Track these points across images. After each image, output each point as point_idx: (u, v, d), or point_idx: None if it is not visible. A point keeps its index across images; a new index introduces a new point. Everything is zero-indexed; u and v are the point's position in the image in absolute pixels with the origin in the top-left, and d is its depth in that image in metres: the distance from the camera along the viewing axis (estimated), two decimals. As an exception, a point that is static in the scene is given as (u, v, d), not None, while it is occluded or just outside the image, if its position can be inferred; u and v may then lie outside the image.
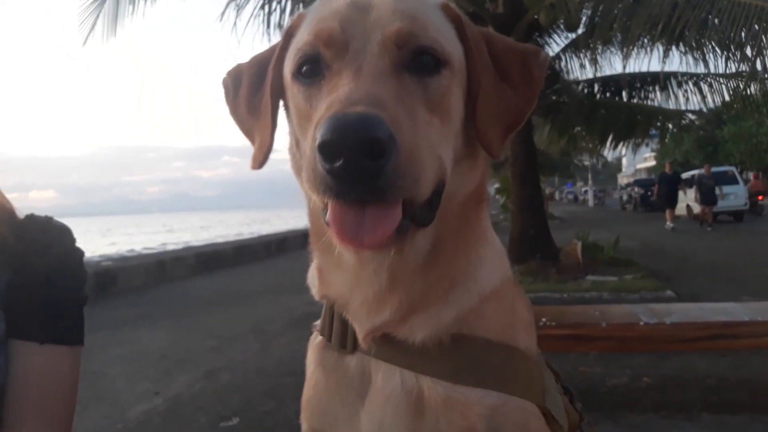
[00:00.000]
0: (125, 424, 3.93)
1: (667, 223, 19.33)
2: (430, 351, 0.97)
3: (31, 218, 1.30)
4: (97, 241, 31.37)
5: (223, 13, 8.87)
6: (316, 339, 1.14)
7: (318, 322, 1.15)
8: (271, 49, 1.09)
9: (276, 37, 9.16)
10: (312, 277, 1.11)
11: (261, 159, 1.06)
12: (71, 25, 9.22)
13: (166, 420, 3.98)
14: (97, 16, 9.10)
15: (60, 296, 1.25)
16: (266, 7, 8.88)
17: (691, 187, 21.83)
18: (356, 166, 0.71)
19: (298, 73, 0.94)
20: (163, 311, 8.04)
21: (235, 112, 1.13)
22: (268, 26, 9.03)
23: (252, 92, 1.10)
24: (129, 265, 10.82)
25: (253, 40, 9.18)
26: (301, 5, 8.88)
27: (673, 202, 19.92)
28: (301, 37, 0.95)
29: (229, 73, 1.15)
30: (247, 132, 1.11)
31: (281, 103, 1.06)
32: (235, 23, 8.84)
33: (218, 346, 5.94)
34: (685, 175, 24.05)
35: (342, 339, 1.05)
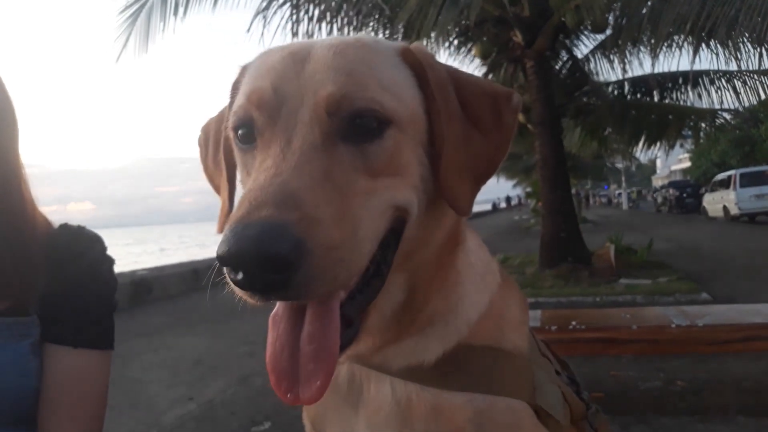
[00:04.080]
0: (160, 428, 4.01)
1: None
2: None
3: (64, 227, 1.35)
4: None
5: (250, 27, 9.01)
6: None
7: None
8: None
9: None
10: None
11: (223, 222, 0.97)
12: (106, 40, 9.46)
13: (200, 424, 4.05)
14: (130, 33, 9.33)
15: (92, 302, 1.29)
16: (294, 17, 8.98)
17: (728, 188, 21.38)
18: (258, 280, 0.68)
19: (236, 137, 0.91)
20: (197, 318, 8.14)
21: (206, 170, 1.11)
22: (296, 37, 9.13)
23: (216, 149, 1.07)
24: (164, 274, 11.00)
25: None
26: (328, 15, 8.99)
27: None
28: (238, 98, 0.91)
29: (202, 129, 1.13)
30: (217, 189, 1.08)
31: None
32: (262, 34, 8.98)
33: (251, 351, 6.00)
34: (721, 176, 23.56)
35: None
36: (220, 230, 0.96)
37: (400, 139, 0.85)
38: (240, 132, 0.89)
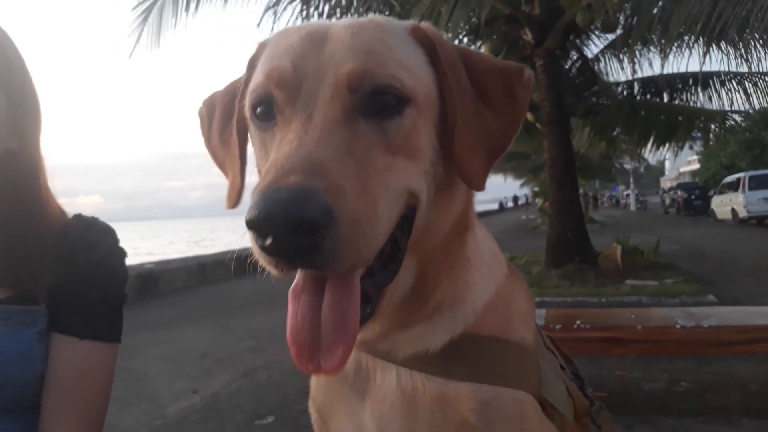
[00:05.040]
0: (164, 420, 4.03)
1: None
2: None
3: (78, 218, 1.35)
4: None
5: (260, 22, 9.04)
6: None
7: None
8: (241, 78, 1.02)
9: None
10: None
11: (234, 198, 1.01)
12: (117, 36, 9.52)
13: (204, 417, 4.07)
14: (143, 29, 9.39)
15: (101, 294, 1.29)
16: (304, 12, 9.00)
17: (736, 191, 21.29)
18: (287, 245, 0.68)
19: (253, 114, 0.91)
20: (203, 312, 8.19)
21: (209, 144, 1.09)
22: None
23: (224, 124, 1.06)
24: (170, 267, 11.05)
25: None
26: (338, 11, 9.00)
27: None
28: (257, 76, 0.92)
29: (205, 102, 1.11)
30: (221, 166, 1.07)
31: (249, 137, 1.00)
32: (272, 30, 9.00)
33: (256, 346, 6.03)
34: (729, 178, 23.45)
35: None
36: (230, 206, 0.99)
37: (417, 118, 0.86)
38: (258, 110, 0.89)
